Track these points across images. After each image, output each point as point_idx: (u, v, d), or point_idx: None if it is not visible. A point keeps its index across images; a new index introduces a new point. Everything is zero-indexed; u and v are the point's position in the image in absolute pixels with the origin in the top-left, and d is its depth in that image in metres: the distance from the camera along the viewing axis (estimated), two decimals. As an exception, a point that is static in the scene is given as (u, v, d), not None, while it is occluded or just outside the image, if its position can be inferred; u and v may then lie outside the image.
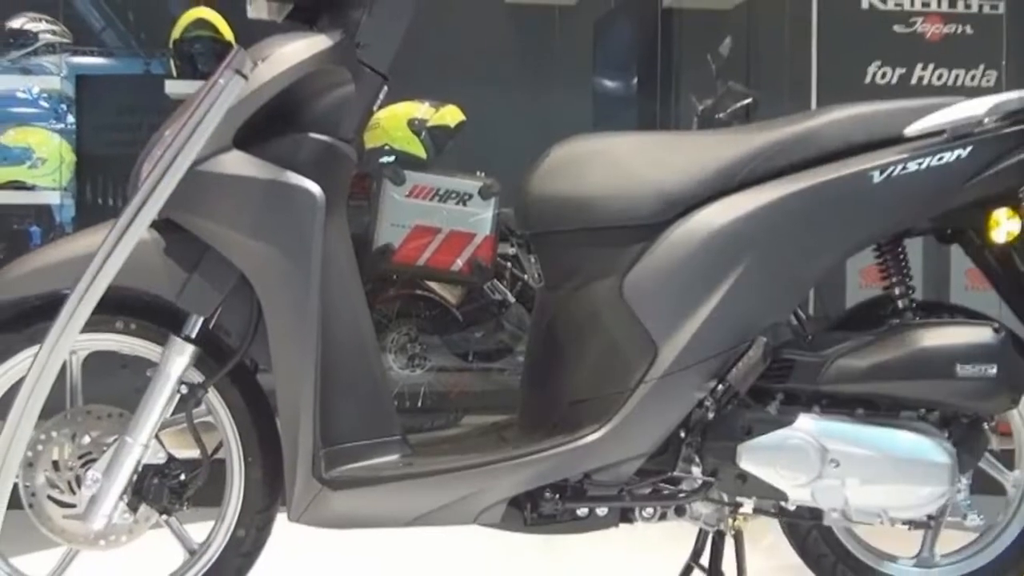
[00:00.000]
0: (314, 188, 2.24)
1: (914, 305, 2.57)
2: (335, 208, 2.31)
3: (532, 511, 2.33)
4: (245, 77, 2.09)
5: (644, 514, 2.38)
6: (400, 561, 3.19)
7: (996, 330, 2.44)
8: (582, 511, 2.35)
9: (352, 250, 2.39)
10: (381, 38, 2.34)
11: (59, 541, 2.34)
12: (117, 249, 1.99)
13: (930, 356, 2.40)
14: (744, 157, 2.39)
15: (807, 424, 2.37)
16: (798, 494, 2.38)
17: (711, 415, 2.35)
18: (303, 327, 2.23)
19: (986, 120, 2.42)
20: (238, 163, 2.22)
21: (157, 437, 2.32)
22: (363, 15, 2.31)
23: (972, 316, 2.57)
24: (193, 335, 2.30)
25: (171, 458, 2.35)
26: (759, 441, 2.35)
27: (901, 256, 2.59)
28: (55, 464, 2.31)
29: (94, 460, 2.29)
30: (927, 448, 2.39)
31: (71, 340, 1.99)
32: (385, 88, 2.40)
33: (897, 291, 2.57)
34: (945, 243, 2.69)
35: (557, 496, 2.32)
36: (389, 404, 2.42)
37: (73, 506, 2.30)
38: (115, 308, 2.28)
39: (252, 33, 2.40)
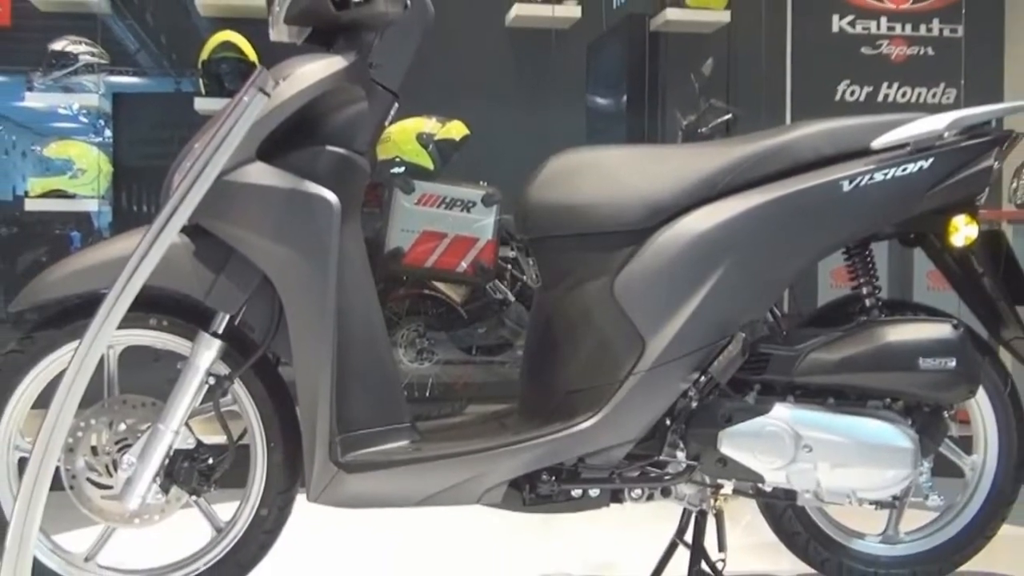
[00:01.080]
0: (331, 196, 2.24)
1: (880, 304, 2.57)
2: (350, 215, 2.32)
3: (530, 492, 2.34)
4: (267, 95, 2.08)
5: (633, 495, 2.39)
6: (409, 538, 3.18)
7: (955, 327, 2.46)
8: (576, 492, 2.36)
9: (366, 253, 2.40)
10: (392, 59, 2.35)
11: (97, 520, 2.34)
12: (150, 252, 1.99)
13: (894, 350, 2.42)
14: (724, 168, 2.40)
15: (782, 412, 2.38)
16: (774, 477, 2.38)
17: (694, 404, 2.36)
18: (321, 323, 2.23)
19: (946, 134, 2.43)
20: (261, 173, 2.22)
21: (187, 424, 2.32)
22: (375, 38, 2.32)
23: (933, 314, 2.58)
24: (220, 331, 2.31)
25: (200, 444, 2.36)
26: (738, 428, 2.36)
27: (868, 259, 2.60)
28: (94, 449, 2.31)
29: (129, 445, 2.30)
30: (892, 434, 2.41)
31: (108, 336, 1.99)
32: (396, 105, 2.41)
33: (865, 291, 2.58)
34: (908, 247, 2.70)
35: (553, 478, 2.33)
36: (399, 394, 2.42)
37: (110, 488, 2.30)
38: (149, 306, 2.28)
39: (274, 55, 2.40)
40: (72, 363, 1.96)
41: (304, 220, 2.24)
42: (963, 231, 2.50)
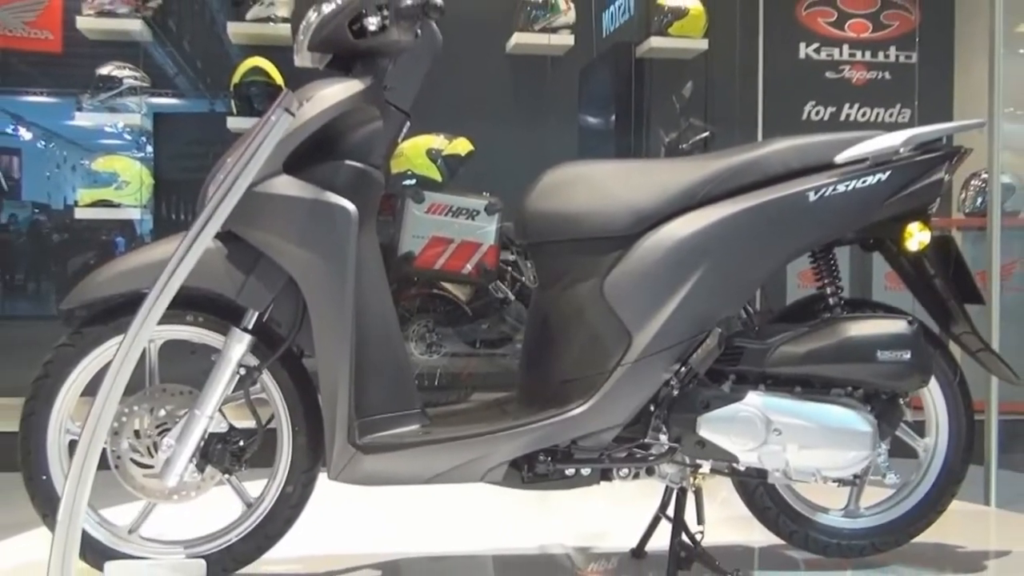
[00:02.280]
0: (349, 205, 2.24)
1: (842, 302, 2.57)
2: (366, 222, 2.32)
3: (528, 471, 2.34)
4: (292, 114, 2.08)
5: (621, 474, 2.39)
6: (419, 514, 3.18)
7: (910, 322, 2.47)
8: (569, 471, 2.36)
9: (380, 256, 2.39)
10: (404, 82, 2.36)
11: (139, 496, 2.34)
12: (187, 256, 1.99)
13: (855, 344, 2.43)
14: (703, 180, 2.40)
15: (754, 400, 2.38)
16: (747, 457, 2.39)
17: (675, 392, 2.36)
18: (340, 320, 2.23)
19: (902, 150, 2.44)
20: (287, 185, 2.22)
21: (220, 411, 2.32)
22: (389, 64, 2.33)
23: (890, 311, 2.57)
24: (250, 327, 2.31)
25: (232, 428, 2.36)
26: (715, 414, 2.36)
27: (831, 261, 2.60)
28: (136, 432, 2.31)
29: (168, 429, 2.30)
30: (853, 419, 2.42)
31: (149, 331, 1.98)
32: (407, 123, 2.41)
33: (828, 290, 2.58)
34: (868, 251, 2.70)
35: (549, 459, 2.34)
36: (411, 383, 2.41)
37: (151, 467, 2.30)
38: (186, 304, 2.28)
39: (299, 79, 2.39)
40: (117, 355, 1.95)
41: (325, 227, 2.23)
42: (917, 237, 2.51)
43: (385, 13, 2.27)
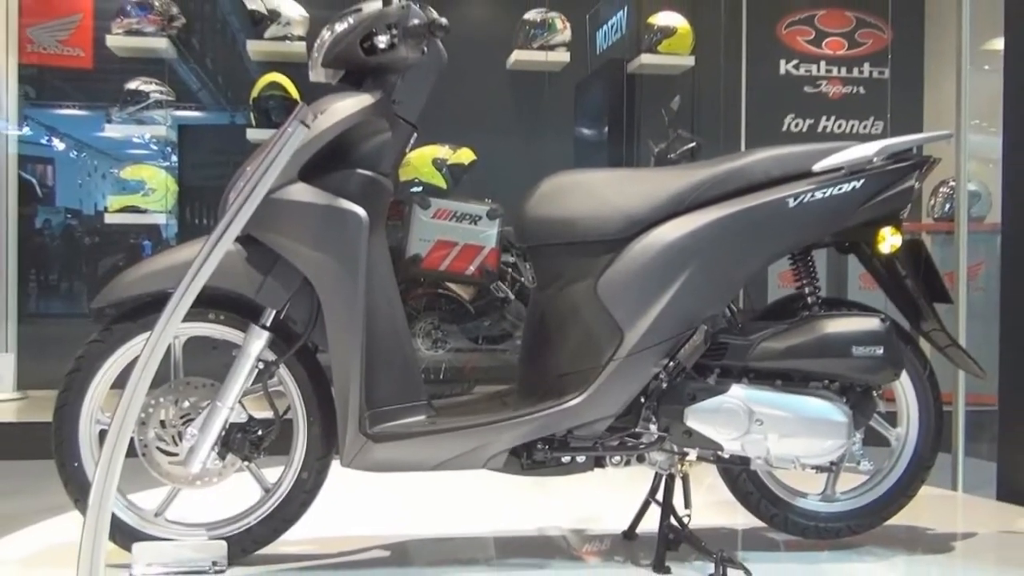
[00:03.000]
0: (360, 211, 2.25)
1: (820, 301, 2.57)
2: (376, 226, 2.32)
3: (527, 459, 2.35)
4: (307, 126, 2.08)
5: (613, 461, 2.39)
6: (426, 498, 3.18)
7: (882, 320, 2.47)
8: (565, 459, 2.37)
9: (389, 258, 2.40)
10: (412, 96, 2.37)
11: (165, 482, 2.34)
12: (209, 258, 1.98)
13: (831, 340, 2.43)
14: (690, 187, 2.40)
15: (738, 392, 2.39)
16: (731, 446, 2.39)
17: (664, 385, 2.36)
18: (352, 317, 2.24)
19: (875, 159, 2.44)
20: (302, 192, 2.23)
21: (240, 402, 2.31)
22: (398, 79, 2.34)
23: (865, 310, 2.57)
24: (268, 324, 2.31)
25: (251, 418, 2.36)
26: (701, 405, 2.36)
27: (810, 263, 2.59)
28: (162, 423, 2.31)
29: (192, 419, 2.30)
30: (829, 410, 2.42)
31: (174, 328, 1.98)
32: (415, 135, 2.41)
33: (807, 290, 2.58)
34: (843, 253, 2.69)
35: (547, 447, 2.34)
36: (418, 376, 2.41)
37: (176, 455, 2.30)
38: (208, 303, 2.28)
39: (314, 93, 2.39)
40: (144, 351, 1.95)
41: (337, 231, 2.24)
42: (889, 240, 2.51)
43: (394, 32, 2.28)
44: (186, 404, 2.33)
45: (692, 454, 2.41)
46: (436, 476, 2.46)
